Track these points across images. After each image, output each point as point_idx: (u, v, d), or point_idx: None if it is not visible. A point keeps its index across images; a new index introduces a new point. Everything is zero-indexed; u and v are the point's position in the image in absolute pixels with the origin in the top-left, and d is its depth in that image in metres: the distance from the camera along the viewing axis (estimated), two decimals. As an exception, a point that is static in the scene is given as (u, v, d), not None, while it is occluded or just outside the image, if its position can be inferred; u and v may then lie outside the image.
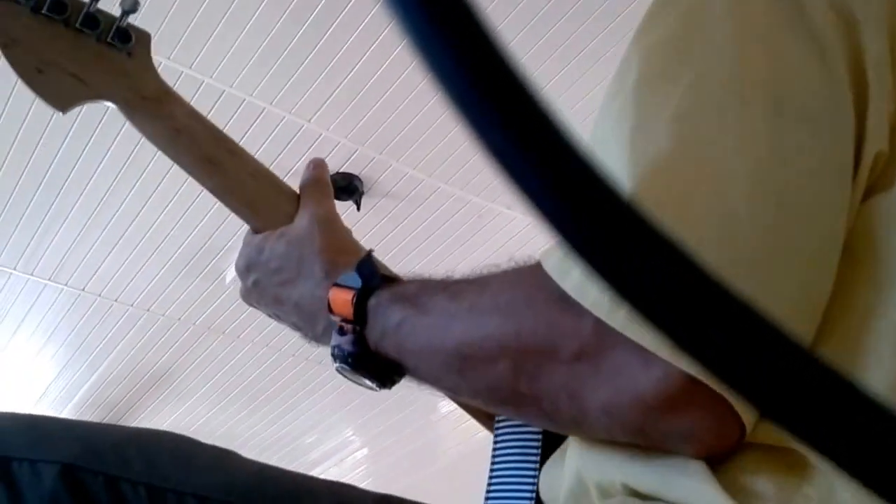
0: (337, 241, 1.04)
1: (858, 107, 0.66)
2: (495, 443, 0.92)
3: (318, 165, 1.13)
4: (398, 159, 3.72)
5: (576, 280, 0.66)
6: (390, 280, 0.89)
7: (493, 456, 0.91)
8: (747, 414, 0.62)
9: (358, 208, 3.89)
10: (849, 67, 0.67)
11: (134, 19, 1.07)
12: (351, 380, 0.90)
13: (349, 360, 0.85)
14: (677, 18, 0.72)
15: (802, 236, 0.64)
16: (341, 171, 3.78)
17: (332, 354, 0.87)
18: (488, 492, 0.88)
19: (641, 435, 0.66)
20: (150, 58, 1.08)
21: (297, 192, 1.11)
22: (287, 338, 4.79)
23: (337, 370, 0.88)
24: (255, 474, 0.88)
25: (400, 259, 4.29)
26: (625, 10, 3.11)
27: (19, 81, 2.99)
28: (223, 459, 0.90)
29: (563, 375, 0.67)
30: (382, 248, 4.23)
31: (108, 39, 1.04)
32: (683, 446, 0.65)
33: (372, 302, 0.84)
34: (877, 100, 0.67)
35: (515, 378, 0.70)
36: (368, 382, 0.87)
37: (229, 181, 1.09)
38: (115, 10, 1.05)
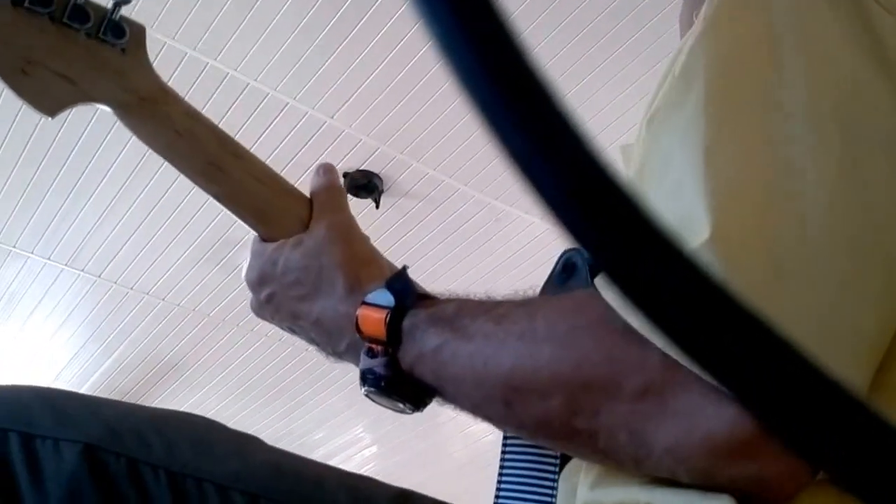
0: (358, 251, 0.99)
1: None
2: (506, 444, 0.88)
3: (328, 170, 1.08)
4: (418, 159, 3.72)
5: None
6: (424, 298, 0.84)
7: (505, 459, 0.86)
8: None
9: (377, 206, 3.90)
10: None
11: (128, 11, 0.98)
12: (379, 403, 0.85)
13: (382, 383, 0.80)
14: (747, 34, 0.70)
15: (878, 275, 0.62)
16: (361, 168, 3.78)
17: (362, 378, 0.82)
18: (498, 496, 0.84)
19: (707, 477, 0.63)
20: (145, 54, 1.00)
21: (309, 197, 1.05)
22: (300, 333, 4.79)
23: (365, 394, 0.84)
24: (274, 463, 0.87)
25: (416, 259, 4.28)
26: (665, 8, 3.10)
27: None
28: (244, 447, 0.90)
29: (625, 413, 0.64)
30: (399, 248, 4.25)
31: (100, 35, 0.95)
32: (749, 492, 0.62)
33: (406, 323, 0.80)
34: None
35: (571, 413, 0.66)
36: (400, 405, 0.83)
37: (234, 187, 1.02)
38: (107, 3, 0.96)
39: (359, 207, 3.96)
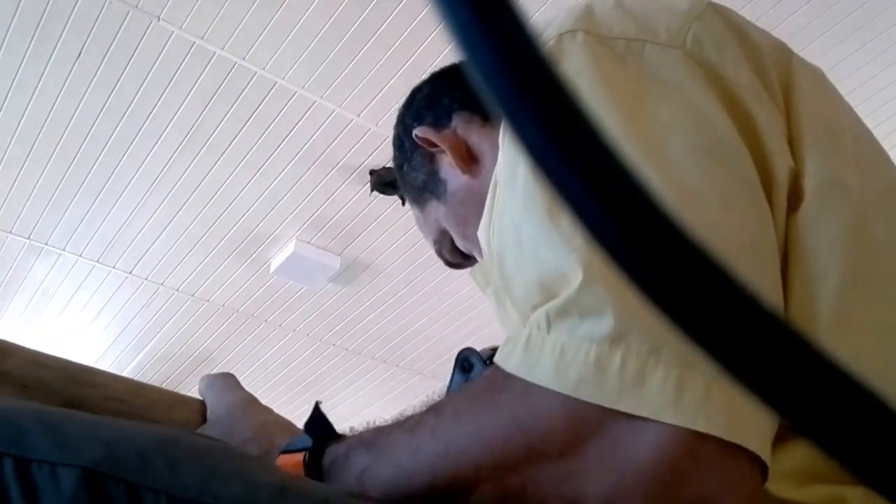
0: (266, 420, 0.98)
1: (750, 136, 0.70)
2: None
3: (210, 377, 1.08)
4: (445, 156, 3.73)
5: (546, 366, 0.63)
6: (343, 436, 0.84)
7: None
8: (765, 451, 0.60)
9: (403, 203, 3.88)
10: (729, 104, 0.71)
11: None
12: None
13: None
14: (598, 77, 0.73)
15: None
16: (388, 166, 3.79)
17: None
18: None
19: None
20: None
21: (197, 398, 1.04)
22: (328, 328, 4.83)
23: None
24: (279, 485, 0.84)
25: (442, 255, 4.30)
26: None
27: (75, 66, 3.04)
28: (248, 468, 0.86)
29: (551, 478, 0.62)
30: (425, 245, 4.17)
31: None
32: None
33: (326, 460, 0.79)
34: (768, 125, 0.71)
35: (502, 495, 0.64)
36: None
37: (99, 412, 0.98)
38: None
39: (385, 204, 3.99)
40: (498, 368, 0.67)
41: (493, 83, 0.25)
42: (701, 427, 0.57)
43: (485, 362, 0.95)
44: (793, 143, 0.74)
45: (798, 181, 0.72)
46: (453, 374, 0.96)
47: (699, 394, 0.58)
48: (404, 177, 1.21)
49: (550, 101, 0.25)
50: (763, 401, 0.24)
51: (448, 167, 1.12)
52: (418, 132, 1.13)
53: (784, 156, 0.72)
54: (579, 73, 0.73)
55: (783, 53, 0.80)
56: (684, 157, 0.67)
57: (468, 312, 4.69)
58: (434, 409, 0.73)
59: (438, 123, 1.13)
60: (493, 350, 0.95)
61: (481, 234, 0.89)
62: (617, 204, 0.24)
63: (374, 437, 0.77)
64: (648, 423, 0.58)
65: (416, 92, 1.22)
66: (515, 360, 0.66)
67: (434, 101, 1.16)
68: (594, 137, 0.25)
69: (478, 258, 1.12)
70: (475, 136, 1.09)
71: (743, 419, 0.59)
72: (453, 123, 1.12)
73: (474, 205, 1.05)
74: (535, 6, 3.09)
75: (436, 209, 1.16)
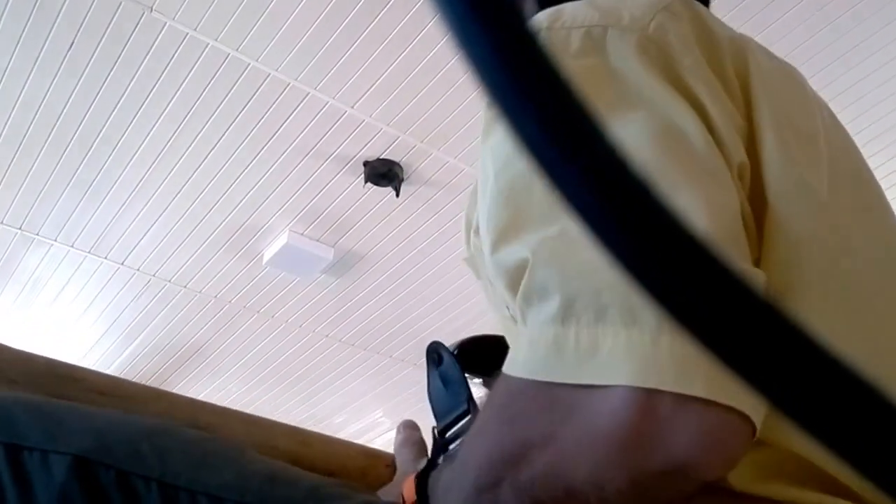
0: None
1: (707, 123, 0.70)
2: None
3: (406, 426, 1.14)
4: (439, 148, 3.74)
5: (522, 358, 0.64)
6: None
7: None
8: (736, 399, 0.57)
9: (397, 195, 3.94)
10: (685, 94, 0.71)
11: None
12: None
13: None
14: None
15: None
16: (382, 157, 3.82)
17: None
18: None
19: (646, 487, 0.58)
20: None
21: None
22: (320, 319, 4.85)
23: None
24: (268, 473, 0.86)
25: (436, 246, 4.34)
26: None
27: (67, 57, 3.03)
28: (237, 457, 0.88)
29: (548, 469, 0.61)
30: (419, 235, 4.29)
31: None
32: (697, 470, 0.58)
33: (431, 479, 0.80)
34: (721, 118, 0.71)
35: (517, 494, 0.64)
36: None
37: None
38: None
39: (379, 195, 4.00)
40: (501, 373, 0.68)
41: (487, 74, 0.25)
42: (652, 383, 0.55)
43: (452, 353, 0.99)
44: (752, 138, 0.73)
45: (758, 179, 0.72)
46: (428, 371, 1.00)
47: (646, 350, 0.57)
48: None
49: (544, 91, 0.25)
50: (741, 375, 0.24)
51: None
52: None
53: (738, 148, 0.71)
54: None
55: (741, 47, 0.80)
56: (639, 142, 0.67)
57: (461, 305, 4.72)
58: (476, 417, 0.76)
59: None
60: (464, 340, 1.04)
61: (463, 232, 0.92)
62: (603, 182, 0.25)
63: (455, 451, 0.79)
64: (607, 389, 0.57)
65: None
66: (508, 359, 0.67)
67: None
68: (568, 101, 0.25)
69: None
70: None
71: (698, 369, 0.56)
72: None
73: None
74: None
75: None
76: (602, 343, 0.59)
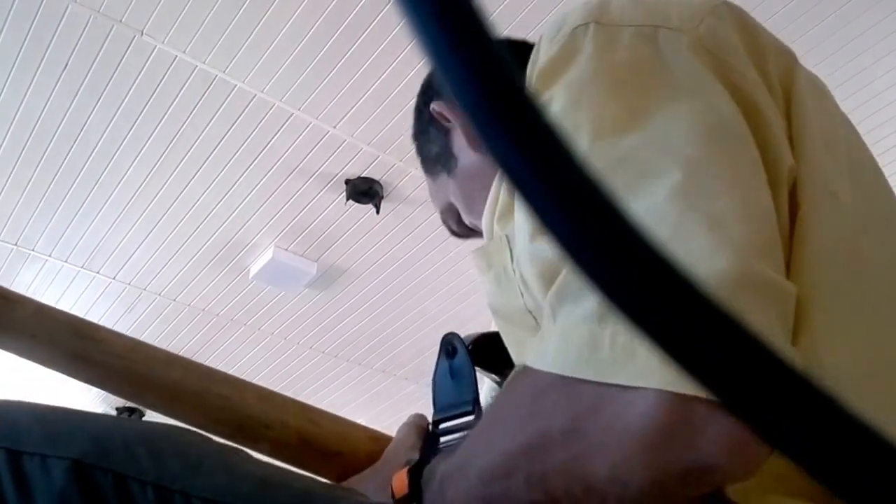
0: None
1: (757, 127, 0.70)
2: None
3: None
4: (417, 167, 3.72)
5: (552, 353, 0.63)
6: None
7: None
8: None
9: (377, 212, 3.99)
10: (736, 94, 0.72)
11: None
12: None
13: None
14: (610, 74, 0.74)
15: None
16: (362, 175, 3.88)
17: None
18: None
19: (666, 487, 0.58)
20: None
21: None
22: (305, 332, 4.90)
23: None
24: (261, 476, 0.84)
25: (415, 262, 4.39)
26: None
27: (61, 79, 3.10)
28: (231, 459, 0.86)
29: (567, 462, 0.61)
30: (399, 251, 4.36)
31: None
32: (720, 475, 0.58)
33: (425, 473, 0.79)
34: (773, 119, 0.72)
35: (530, 487, 0.64)
36: None
37: (104, 369, 1.01)
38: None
39: (360, 212, 4.05)
40: (523, 366, 0.68)
41: (464, 97, 0.25)
42: (686, 389, 0.55)
43: (467, 347, 0.97)
44: (792, 145, 0.73)
45: (796, 184, 0.71)
46: (439, 359, 0.98)
47: None
48: (420, 147, 1.21)
49: (520, 115, 0.25)
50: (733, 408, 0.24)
51: (461, 144, 1.11)
52: (435, 106, 1.11)
53: (787, 151, 0.71)
54: (587, 64, 0.74)
55: (788, 57, 0.80)
56: (687, 136, 0.67)
57: (440, 317, 4.73)
58: (487, 411, 0.76)
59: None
60: (478, 335, 1.02)
61: (485, 218, 0.89)
62: (586, 219, 0.24)
63: (456, 445, 0.79)
64: (640, 391, 0.57)
65: None
66: (534, 354, 0.66)
67: None
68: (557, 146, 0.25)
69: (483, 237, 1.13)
70: None
71: None
72: None
73: (482, 183, 1.04)
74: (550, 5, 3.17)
75: (445, 183, 1.15)
76: (639, 346, 0.58)
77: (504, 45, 0.25)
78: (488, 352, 0.99)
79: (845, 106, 0.89)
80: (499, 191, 0.84)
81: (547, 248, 0.68)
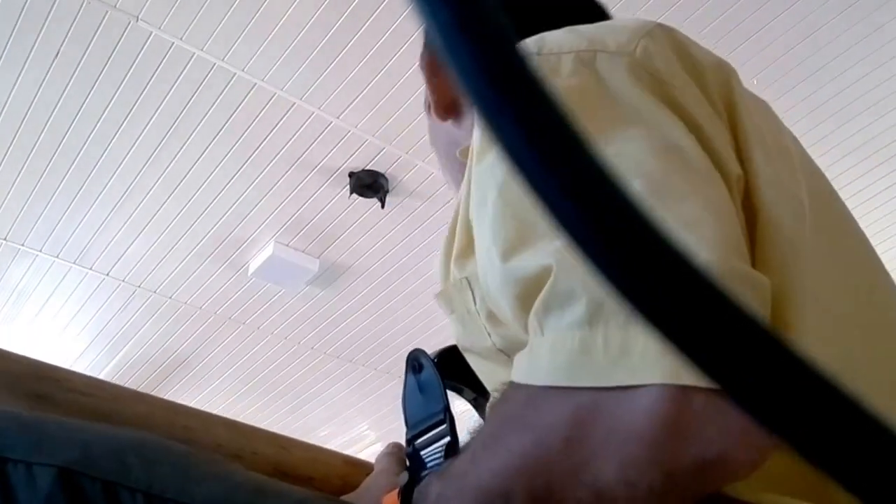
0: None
1: (700, 142, 0.73)
2: None
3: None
4: (424, 159, 3.75)
5: (543, 365, 0.64)
6: None
7: None
8: None
9: (382, 206, 3.94)
10: (678, 112, 0.74)
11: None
12: None
13: None
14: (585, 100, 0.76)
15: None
16: (367, 168, 3.83)
17: None
18: None
19: (678, 483, 0.59)
20: None
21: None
22: (305, 331, 4.84)
23: None
24: (254, 485, 0.86)
25: (421, 258, 4.34)
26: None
27: (53, 66, 3.03)
28: (223, 469, 0.88)
29: (572, 473, 0.61)
30: (404, 247, 4.31)
31: None
32: (730, 465, 0.59)
33: (416, 493, 0.79)
34: (715, 134, 0.74)
35: (535, 502, 0.63)
36: None
37: (65, 407, 1.02)
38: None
39: (364, 206, 4.01)
40: (511, 383, 0.68)
41: (472, 85, 0.25)
42: (688, 380, 0.56)
43: (433, 361, 0.99)
44: (741, 154, 0.76)
45: (751, 194, 0.74)
46: (406, 377, 1.00)
47: None
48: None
49: (529, 103, 0.25)
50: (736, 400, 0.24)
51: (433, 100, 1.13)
52: (421, 59, 1.12)
53: (734, 162, 0.74)
54: None
55: (725, 70, 0.83)
56: (641, 155, 0.69)
57: (445, 317, 4.65)
58: (478, 430, 0.76)
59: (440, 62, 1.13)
60: (443, 350, 1.03)
61: (442, 262, 0.91)
62: (591, 202, 0.25)
63: (448, 465, 0.78)
64: (640, 389, 0.58)
65: None
66: (522, 369, 0.67)
67: None
68: (568, 133, 0.25)
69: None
70: None
71: None
72: None
73: (445, 149, 1.12)
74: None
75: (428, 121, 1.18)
76: (633, 343, 0.59)
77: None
78: (455, 364, 1.00)
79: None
80: (454, 232, 0.85)
81: (524, 264, 0.68)
